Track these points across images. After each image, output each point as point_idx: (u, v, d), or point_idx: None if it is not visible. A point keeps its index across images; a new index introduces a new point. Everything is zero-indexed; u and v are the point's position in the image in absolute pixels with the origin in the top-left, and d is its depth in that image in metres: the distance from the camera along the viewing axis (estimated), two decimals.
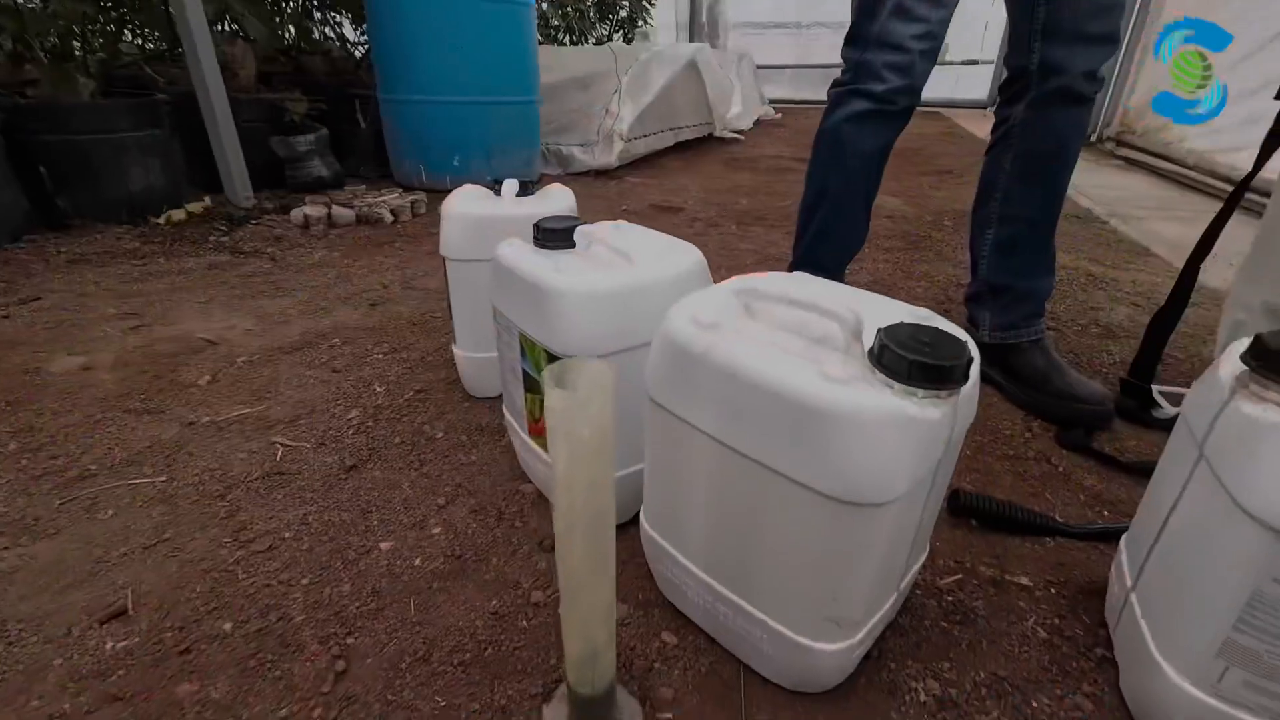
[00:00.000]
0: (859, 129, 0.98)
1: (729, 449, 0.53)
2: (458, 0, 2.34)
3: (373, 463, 0.96)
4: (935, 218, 2.38)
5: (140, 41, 3.00)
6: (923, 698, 0.61)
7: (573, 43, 5.21)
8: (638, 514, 0.72)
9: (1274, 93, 0.86)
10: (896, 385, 0.48)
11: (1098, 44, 0.95)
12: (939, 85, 7.62)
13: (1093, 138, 4.01)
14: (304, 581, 0.74)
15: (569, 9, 4.81)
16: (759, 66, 5.73)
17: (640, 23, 6.30)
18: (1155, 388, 1.09)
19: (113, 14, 2.57)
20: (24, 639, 0.67)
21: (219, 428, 1.04)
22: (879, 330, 0.50)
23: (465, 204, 1.02)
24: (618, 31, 6.25)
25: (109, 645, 0.66)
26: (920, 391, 0.48)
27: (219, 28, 2.71)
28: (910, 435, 0.47)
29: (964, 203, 2.59)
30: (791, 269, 1.08)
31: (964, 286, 1.64)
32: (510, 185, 1.08)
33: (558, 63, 3.36)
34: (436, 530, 0.82)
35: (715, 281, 0.67)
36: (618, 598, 0.72)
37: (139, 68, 2.58)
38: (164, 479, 0.92)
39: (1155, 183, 3.00)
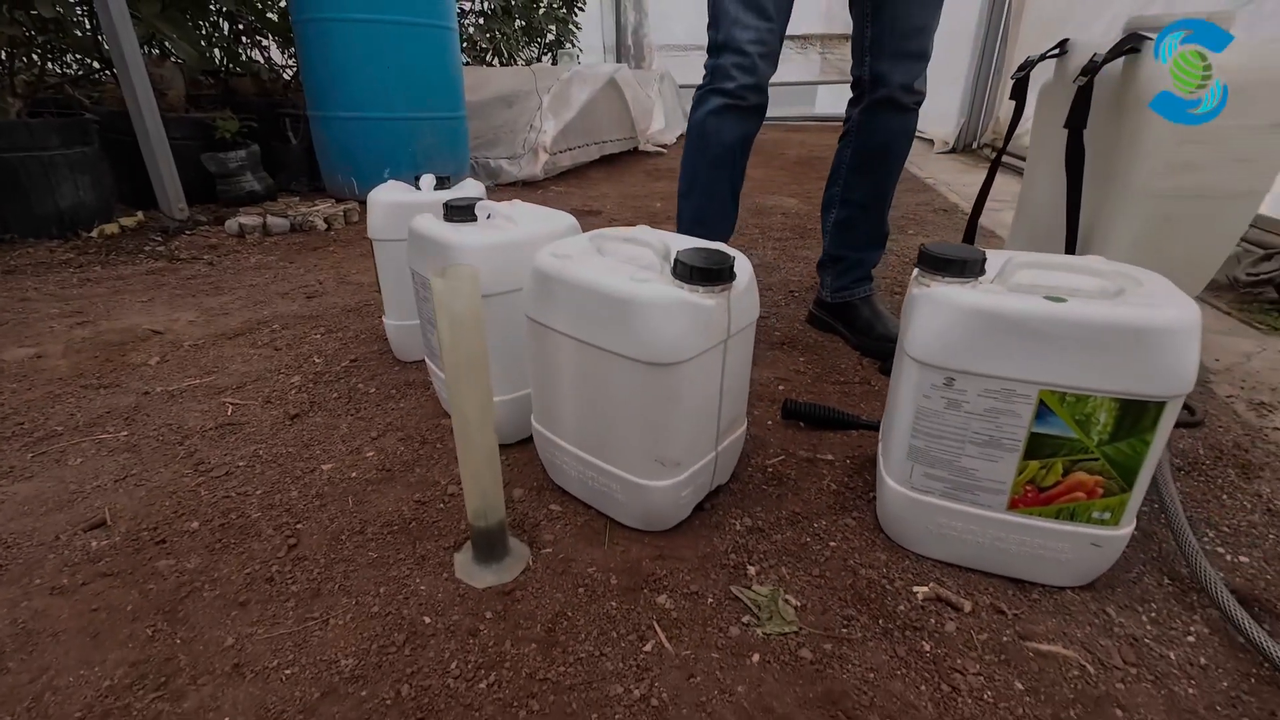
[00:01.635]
0: (719, 122, 1.17)
1: (577, 340, 0.74)
2: (382, 26, 2.51)
3: (314, 412, 1.12)
4: (814, 207, 2.68)
5: (61, 66, 3.04)
6: (738, 527, 0.83)
7: (501, 64, 5.43)
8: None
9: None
10: (685, 286, 0.70)
11: (912, 59, 1.19)
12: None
13: (973, 145, 4.49)
14: (258, 493, 0.91)
15: (496, 32, 5.03)
16: (681, 85, 6.08)
17: (567, 45, 6.58)
18: None
19: (38, 39, 2.63)
20: (18, 544, 0.81)
21: (172, 395, 1.18)
22: (676, 253, 0.72)
23: (388, 194, 1.21)
24: (546, 54, 6.51)
25: (94, 544, 0.81)
26: (700, 288, 0.70)
27: (147, 50, 2.79)
28: (691, 316, 0.69)
29: None
30: None
31: None
32: (428, 179, 1.28)
33: (484, 82, 3.56)
34: (370, 454, 1.00)
35: None
36: (517, 485, 0.92)
37: (62, 89, 2.64)
38: (126, 434, 1.06)
39: (1016, 180, 3.44)
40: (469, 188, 1.30)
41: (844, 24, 6.72)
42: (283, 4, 3.10)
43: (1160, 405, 0.60)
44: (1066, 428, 0.64)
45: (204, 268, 1.94)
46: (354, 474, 0.95)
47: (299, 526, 0.84)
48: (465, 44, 4.81)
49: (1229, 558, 0.78)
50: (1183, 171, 0.89)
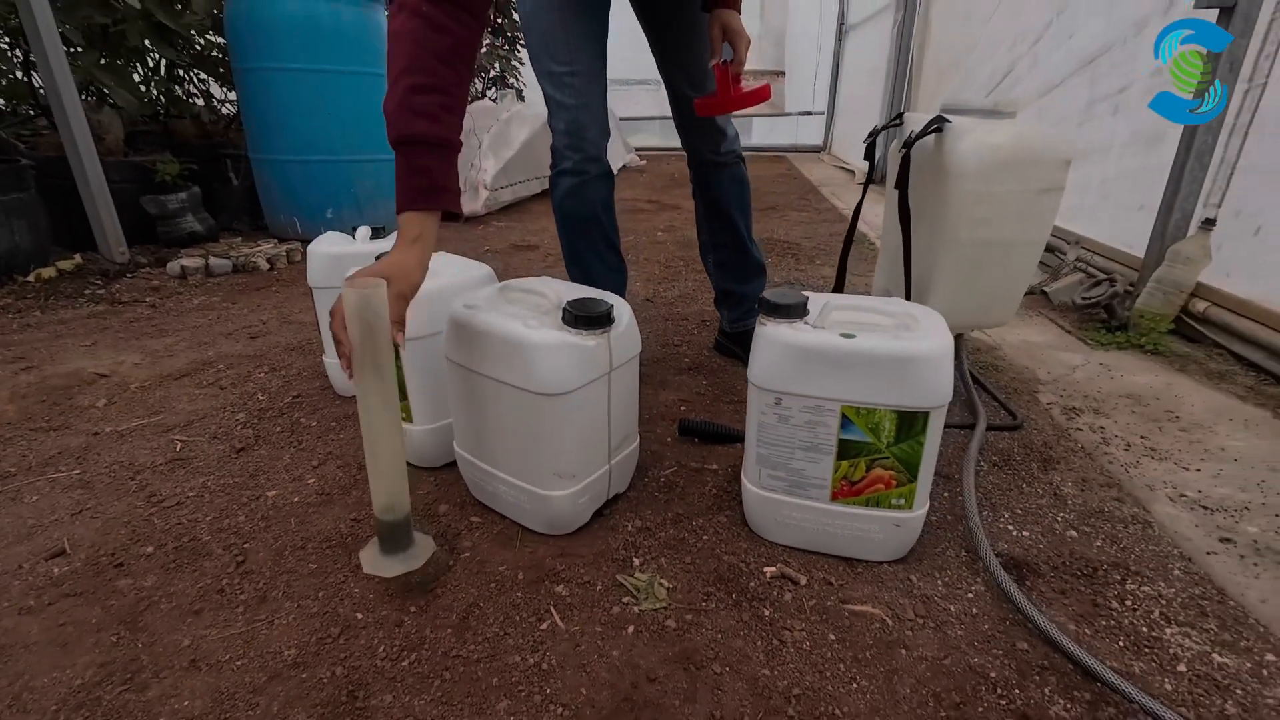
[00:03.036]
0: (575, 198, 1.31)
1: (486, 376, 0.90)
2: (324, 75, 2.64)
3: (259, 445, 1.24)
4: None
5: None
6: (630, 528, 0.99)
7: None
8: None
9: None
10: (570, 330, 0.87)
11: (712, 134, 1.40)
12: (783, 133, 8.65)
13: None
14: (208, 519, 1.02)
15: None
16: (622, 118, 6.35)
17: (511, 80, 6.79)
18: None
19: None
20: None
21: (122, 435, 1.28)
22: (566, 302, 0.89)
23: (326, 245, 1.34)
24: (490, 88, 6.70)
25: (56, 570, 0.91)
26: (583, 331, 0.87)
27: (86, 97, 2.83)
28: (575, 355, 0.86)
29: (773, 234, 3.19)
30: None
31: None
32: (364, 231, 1.41)
33: None
34: (311, 481, 1.12)
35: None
36: (443, 501, 1.06)
37: None
38: (78, 472, 1.15)
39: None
40: None
41: (774, 60, 7.14)
42: (222, 41, 3.19)
43: (926, 414, 0.80)
44: (864, 434, 0.83)
45: (146, 310, 2.01)
46: (296, 499, 1.07)
47: (246, 546, 0.96)
48: None
49: (1014, 532, 0.98)
50: (981, 226, 1.11)
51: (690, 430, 1.25)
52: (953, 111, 1.18)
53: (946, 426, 1.26)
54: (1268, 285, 1.56)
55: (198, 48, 3.18)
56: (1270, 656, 0.76)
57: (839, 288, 1.47)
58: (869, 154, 1.40)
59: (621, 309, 0.94)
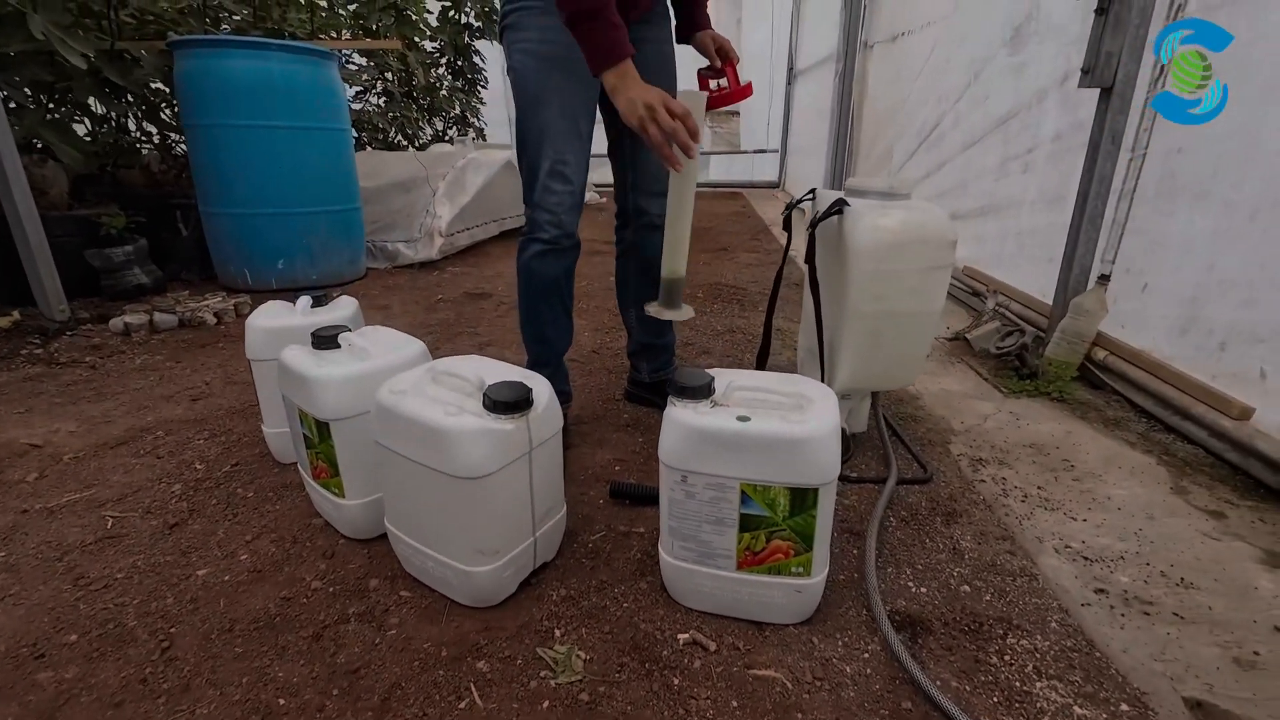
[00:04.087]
0: (542, 263, 1.39)
1: (411, 460, 0.94)
2: (274, 131, 2.68)
3: (193, 520, 1.25)
4: (692, 290, 3.02)
5: None
6: (555, 597, 1.03)
7: (406, 138, 5.64)
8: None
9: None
10: (487, 414, 0.92)
11: (663, 197, 1.45)
12: (739, 169, 8.93)
13: None
14: (135, 602, 1.03)
15: (396, 114, 5.25)
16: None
17: (472, 121, 6.90)
18: None
19: None
20: None
21: (51, 512, 1.27)
22: (486, 387, 0.95)
23: (264, 318, 1.37)
24: (451, 128, 6.80)
25: None
26: (502, 416, 0.93)
27: (30, 153, 2.80)
28: (492, 440, 0.91)
29: (721, 277, 3.31)
30: (528, 366, 1.50)
31: (688, 344, 2.22)
32: (304, 301, 1.45)
33: (382, 168, 3.75)
34: (244, 556, 1.14)
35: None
36: (374, 575, 1.09)
37: None
38: (4, 554, 1.15)
39: None
40: (342, 306, 1.48)
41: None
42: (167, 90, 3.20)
43: (815, 490, 0.87)
44: (762, 508, 0.89)
45: (85, 371, 1.99)
46: (227, 577, 1.09)
47: (173, 630, 0.97)
48: (367, 126, 5.01)
49: (913, 589, 1.06)
50: (878, 300, 1.21)
51: (621, 493, 1.30)
52: (855, 193, 1.28)
53: (862, 480, 1.36)
54: (1154, 337, 1.70)
55: (146, 106, 3.18)
56: (1125, 706, 0.84)
57: (762, 362, 1.55)
58: (786, 224, 1.50)
59: (541, 391, 1.00)
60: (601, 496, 1.33)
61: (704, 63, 1.53)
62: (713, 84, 1.52)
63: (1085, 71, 1.73)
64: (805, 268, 1.35)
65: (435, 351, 2.28)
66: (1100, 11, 1.67)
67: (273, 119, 2.66)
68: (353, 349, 1.16)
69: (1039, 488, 1.34)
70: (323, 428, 1.09)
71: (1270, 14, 1.39)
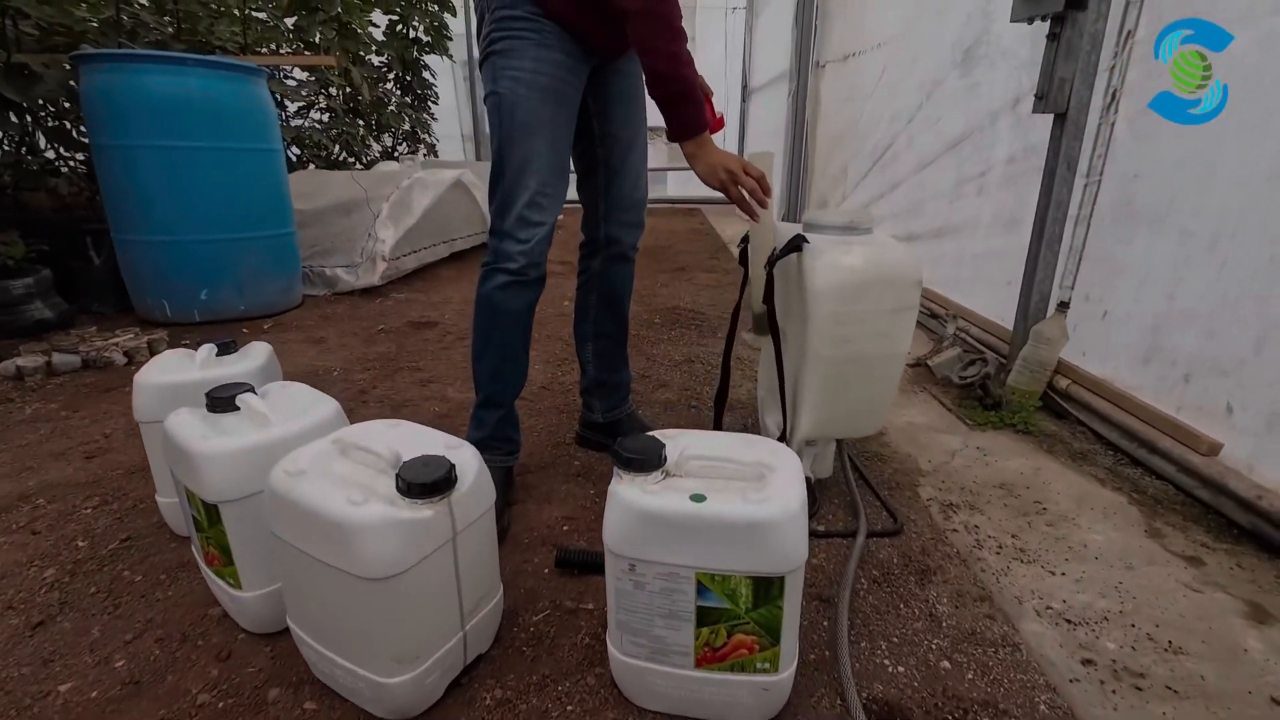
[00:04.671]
0: (505, 295, 1.28)
1: (310, 556, 0.80)
2: (195, 152, 2.48)
3: (64, 616, 1.06)
4: (650, 316, 2.92)
5: None
6: (488, 701, 0.90)
7: (353, 155, 5.41)
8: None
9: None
10: (401, 499, 0.79)
11: (636, 227, 1.47)
12: (697, 184, 8.98)
13: None
14: None
15: (340, 130, 5.04)
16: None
17: (424, 137, 6.70)
18: None
19: None
20: None
21: None
22: (400, 467, 0.81)
23: (157, 373, 1.20)
24: (402, 144, 6.59)
25: None
26: (419, 501, 0.79)
27: None
28: (405, 532, 0.77)
29: (679, 300, 3.22)
30: (476, 405, 1.37)
31: (645, 376, 2.11)
32: (206, 350, 1.28)
33: (322, 189, 3.56)
34: (120, 663, 0.97)
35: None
36: (274, 684, 0.93)
37: None
38: None
39: None
40: (253, 355, 1.32)
41: None
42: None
43: (781, 578, 0.76)
44: (721, 600, 0.78)
45: None
46: (95, 693, 0.91)
47: None
48: (309, 143, 4.78)
49: (890, 668, 0.96)
50: (842, 344, 1.12)
51: (568, 561, 1.17)
52: (814, 228, 1.20)
53: (829, 535, 1.26)
54: (1117, 366, 1.67)
55: (53, 124, 2.93)
56: None
57: (720, 403, 1.45)
58: (743, 259, 1.41)
59: (466, 463, 0.87)
60: (547, 564, 1.20)
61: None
62: None
63: (1039, 97, 1.70)
64: (764, 308, 1.25)
65: (372, 391, 2.13)
66: (1052, 38, 1.64)
67: (192, 139, 2.46)
68: (252, 413, 1.01)
69: (1013, 536, 1.27)
70: (211, 510, 0.94)
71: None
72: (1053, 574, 1.16)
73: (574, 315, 1.58)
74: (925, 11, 2.81)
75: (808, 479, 1.30)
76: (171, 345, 2.42)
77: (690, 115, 1.16)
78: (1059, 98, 1.66)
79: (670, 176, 8.42)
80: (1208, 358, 1.40)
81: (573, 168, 1.47)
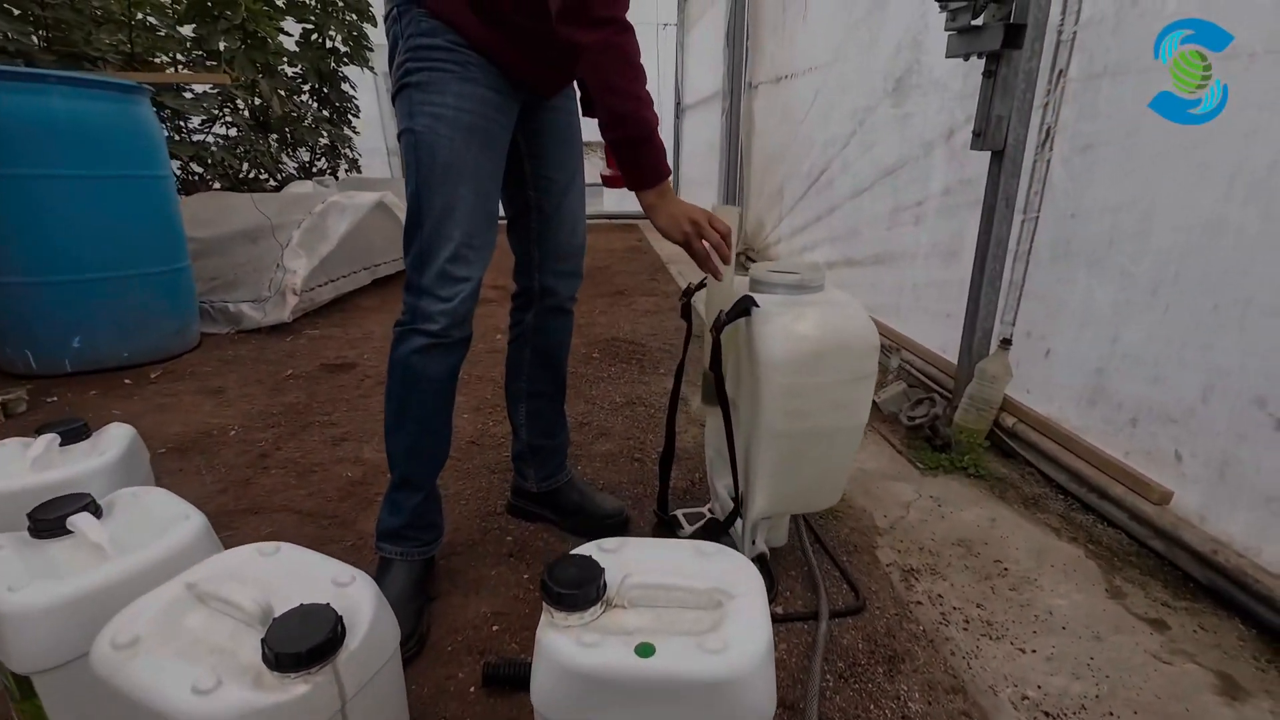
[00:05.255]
0: (424, 360, 1.12)
1: None
2: (60, 181, 2.17)
3: None
4: (587, 350, 2.77)
5: None
6: None
7: (267, 172, 5.02)
8: None
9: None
10: (269, 674, 0.62)
11: (574, 277, 1.34)
12: (634, 200, 8.91)
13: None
14: None
15: (248, 147, 4.67)
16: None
17: (345, 151, 6.33)
18: (678, 511, 1.44)
19: None
20: None
21: None
22: (267, 630, 0.63)
23: None
24: (320, 159, 6.20)
25: None
26: (290, 674, 0.62)
27: None
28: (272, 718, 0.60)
29: (618, 330, 3.09)
30: (391, 487, 1.19)
31: (584, 424, 1.96)
32: (44, 441, 1.06)
33: (225, 214, 3.25)
34: None
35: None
36: None
37: None
38: None
39: None
40: (107, 444, 1.10)
41: None
42: None
43: None
44: None
45: None
46: None
47: None
48: (212, 162, 4.39)
49: None
50: (797, 418, 1.02)
51: (497, 677, 1.01)
52: (761, 286, 1.10)
53: (789, 619, 1.15)
54: (1062, 406, 1.65)
55: None
56: None
57: (665, 471, 1.33)
58: (685, 313, 1.29)
59: (360, 608, 0.70)
60: (474, 680, 1.03)
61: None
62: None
63: (977, 134, 1.67)
64: (710, 375, 1.14)
65: (274, 454, 1.88)
66: (988, 75, 1.62)
67: (55, 167, 2.15)
68: (86, 541, 0.81)
69: (978, 606, 1.20)
70: (23, 683, 0.73)
71: (1156, 86, 1.36)
72: (1023, 651, 1.09)
73: (505, 371, 1.42)
74: (855, 40, 2.81)
75: (762, 555, 1.19)
76: (34, 403, 2.11)
77: (652, 162, 1.05)
78: (996, 135, 1.64)
79: (607, 191, 8.31)
80: (1154, 403, 1.38)
81: (501, 212, 1.34)
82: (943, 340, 2.14)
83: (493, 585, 1.26)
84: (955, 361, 1.91)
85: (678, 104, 7.19)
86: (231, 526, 1.46)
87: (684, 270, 4.59)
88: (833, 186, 3.11)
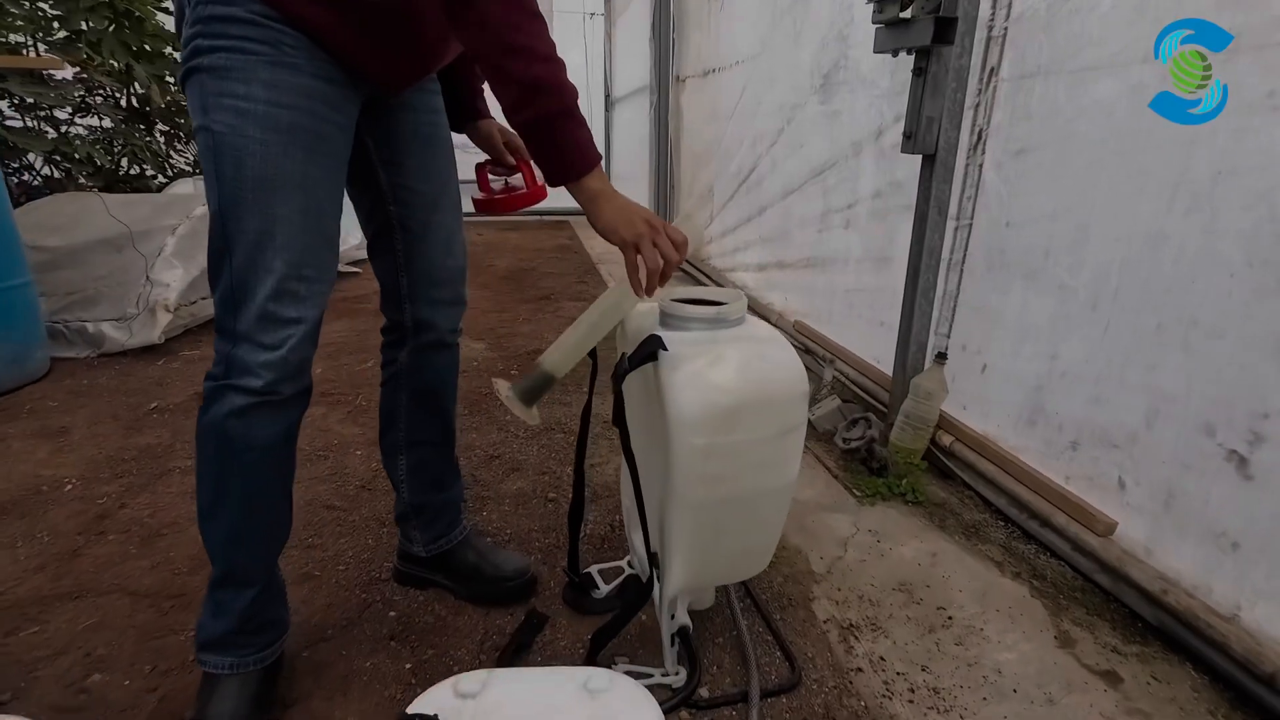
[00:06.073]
0: (246, 425, 0.88)
1: None
2: None
3: None
4: (506, 365, 2.55)
5: None
6: None
7: (155, 168, 4.49)
8: None
9: None
10: None
11: (455, 305, 1.14)
12: (565, 196, 8.63)
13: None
14: None
15: (123, 140, 4.16)
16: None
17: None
18: (594, 568, 1.26)
19: None
20: None
21: None
22: None
23: None
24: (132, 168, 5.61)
25: None
26: None
27: None
28: None
29: (545, 341, 2.86)
30: (211, 584, 0.95)
31: (494, 457, 1.76)
32: None
33: (80, 220, 2.83)
34: None
35: None
36: None
37: None
38: None
39: None
40: None
41: None
42: None
43: None
44: None
45: None
46: None
47: None
48: (78, 158, 3.87)
49: None
50: (714, 484, 0.86)
51: None
52: (672, 321, 0.92)
53: (715, 704, 0.99)
54: (1000, 425, 1.57)
55: None
56: None
57: (575, 524, 1.15)
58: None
59: None
60: None
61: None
62: (495, 182, 1.22)
63: (907, 137, 1.55)
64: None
65: (117, 513, 1.53)
66: (918, 73, 1.50)
67: None
68: None
69: (923, 669, 1.08)
70: None
71: (1090, 87, 1.27)
72: None
73: (379, 418, 1.20)
74: (781, 32, 2.68)
75: (684, 629, 1.03)
76: None
77: (581, 140, 0.85)
78: (928, 138, 1.52)
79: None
80: (1096, 426, 1.30)
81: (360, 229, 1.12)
82: (877, 350, 2.05)
83: (365, 681, 1.05)
84: (890, 373, 1.81)
85: (607, 96, 6.97)
86: (40, 619, 1.18)
87: (614, 271, 4.41)
88: (762, 186, 2.99)
